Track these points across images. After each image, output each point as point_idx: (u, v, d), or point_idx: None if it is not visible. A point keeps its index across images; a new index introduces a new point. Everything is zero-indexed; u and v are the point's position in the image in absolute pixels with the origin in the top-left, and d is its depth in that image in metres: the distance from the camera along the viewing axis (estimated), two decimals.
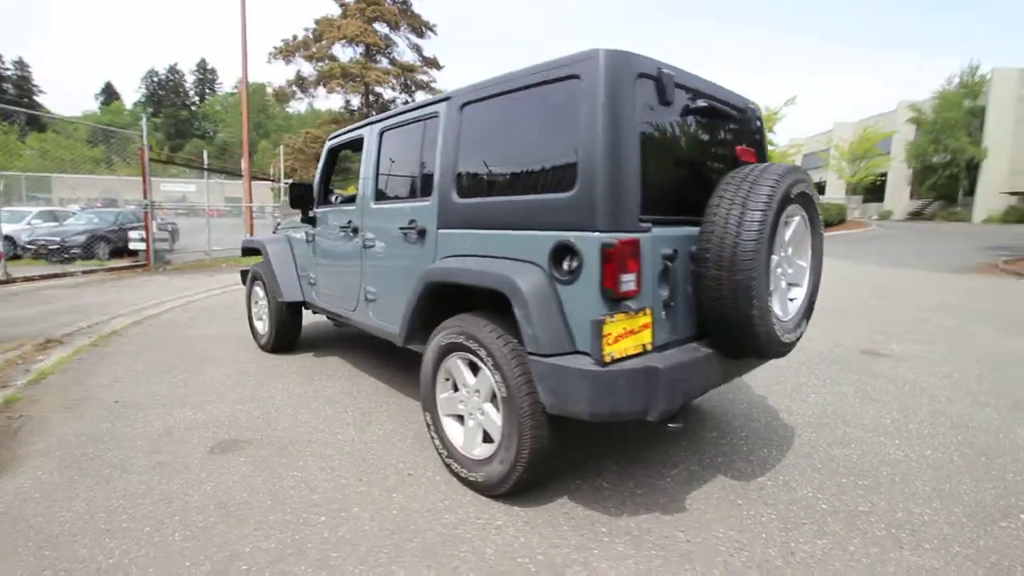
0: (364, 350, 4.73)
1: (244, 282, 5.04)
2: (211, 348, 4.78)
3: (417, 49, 20.56)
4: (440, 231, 2.57)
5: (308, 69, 21.60)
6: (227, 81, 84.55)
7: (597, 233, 1.87)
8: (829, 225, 23.47)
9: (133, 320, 6.01)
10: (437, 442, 2.50)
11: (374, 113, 18.74)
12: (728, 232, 1.92)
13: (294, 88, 21.81)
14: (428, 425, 2.55)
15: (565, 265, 1.98)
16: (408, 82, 17.92)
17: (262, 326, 4.71)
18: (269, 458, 2.66)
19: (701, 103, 2.25)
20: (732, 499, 2.30)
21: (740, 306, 1.93)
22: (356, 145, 3.42)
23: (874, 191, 37.13)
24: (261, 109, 64.98)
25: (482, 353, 2.18)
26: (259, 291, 4.71)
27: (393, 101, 18.50)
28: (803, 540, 2.01)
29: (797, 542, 1.99)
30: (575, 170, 1.95)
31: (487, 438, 2.33)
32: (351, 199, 3.43)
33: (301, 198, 3.76)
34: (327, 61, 20.63)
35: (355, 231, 3.28)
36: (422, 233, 2.67)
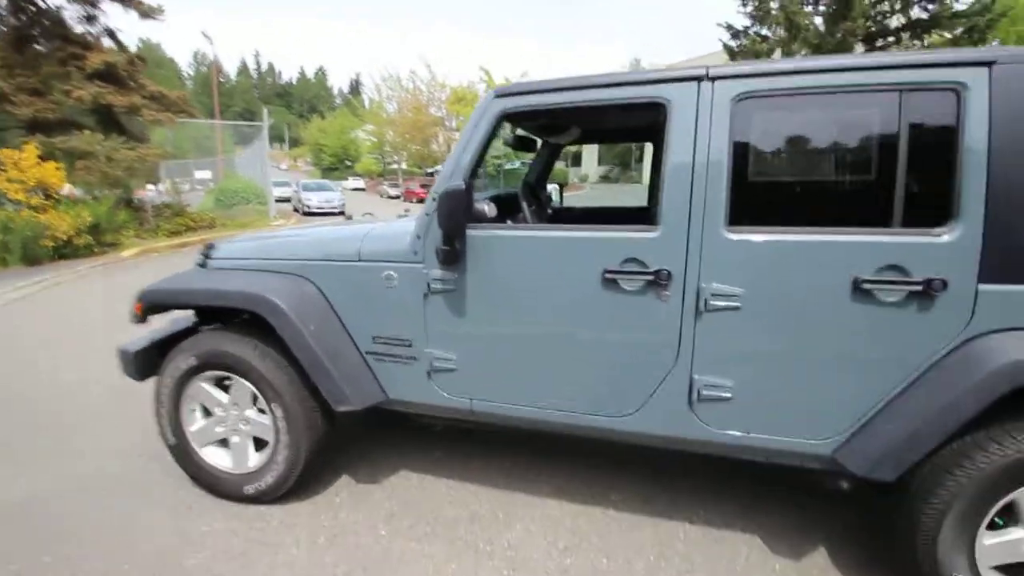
0: (400, 450, 2.90)
1: (133, 371, 2.43)
2: (105, 524, 2.18)
3: None
4: (984, 287, 1.52)
5: None
6: None
7: None
8: (563, 186, 26.98)
9: None
10: None
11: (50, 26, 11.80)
12: None
13: None
14: None
15: None
16: None
17: (229, 457, 2.39)
18: None
19: None
20: None
21: None
22: (622, 118, 1.73)
23: (576, 157, 44.20)
24: None
25: None
26: (214, 392, 2.34)
27: (60, 9, 11.96)
28: None
29: None
30: None
31: None
32: (616, 217, 1.65)
33: (454, 213, 1.84)
34: None
35: (662, 278, 1.75)
36: (931, 289, 1.55)
